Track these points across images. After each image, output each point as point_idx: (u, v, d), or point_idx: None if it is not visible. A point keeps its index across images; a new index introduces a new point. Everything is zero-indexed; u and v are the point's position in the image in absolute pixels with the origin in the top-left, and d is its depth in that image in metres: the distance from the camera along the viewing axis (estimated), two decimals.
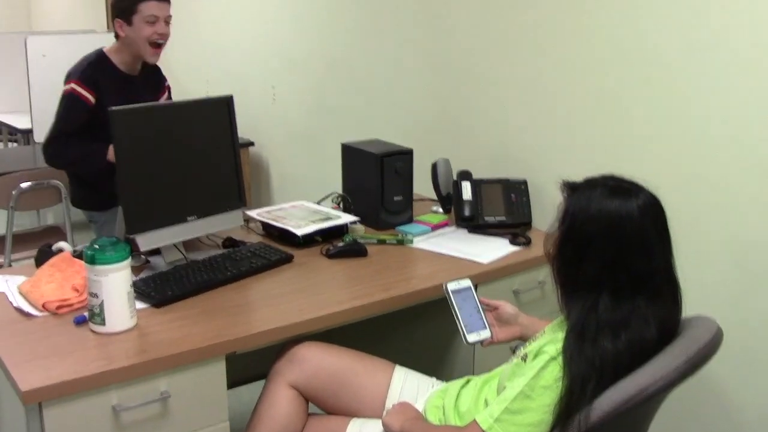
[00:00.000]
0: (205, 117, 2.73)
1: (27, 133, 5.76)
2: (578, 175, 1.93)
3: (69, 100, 3.20)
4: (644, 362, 1.74)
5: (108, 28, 7.30)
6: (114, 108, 2.45)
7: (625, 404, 1.67)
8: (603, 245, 1.79)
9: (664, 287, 1.82)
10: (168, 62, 3.48)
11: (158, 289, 2.35)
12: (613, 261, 1.78)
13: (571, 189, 1.88)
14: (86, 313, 2.14)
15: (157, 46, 3.31)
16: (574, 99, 2.96)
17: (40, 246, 2.62)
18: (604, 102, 2.85)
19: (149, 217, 2.51)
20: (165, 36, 3.31)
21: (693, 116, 2.57)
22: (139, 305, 2.24)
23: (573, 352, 1.75)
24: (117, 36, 3.32)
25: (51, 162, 3.33)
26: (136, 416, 1.96)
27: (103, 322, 2.08)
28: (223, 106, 2.76)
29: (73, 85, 3.19)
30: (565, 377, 1.74)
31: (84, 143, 3.19)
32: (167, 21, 3.30)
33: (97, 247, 2.07)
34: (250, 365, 2.53)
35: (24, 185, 3.96)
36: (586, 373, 1.72)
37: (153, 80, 3.51)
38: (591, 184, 1.87)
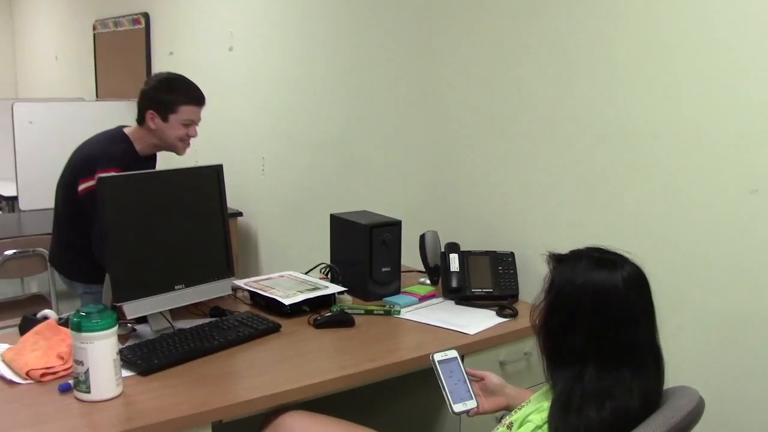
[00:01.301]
0: (194, 185, 2.76)
1: (12, 200, 5.70)
2: (565, 248, 1.94)
3: None
4: (626, 428, 1.74)
5: (97, 96, 7.35)
6: (101, 175, 2.46)
7: None
8: (588, 317, 1.79)
9: (648, 358, 1.82)
10: None
11: (145, 358, 2.34)
12: (599, 333, 1.78)
13: (557, 261, 1.90)
14: (71, 381, 2.12)
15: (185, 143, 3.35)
16: (561, 174, 3.00)
17: (24, 314, 2.61)
18: (590, 177, 2.89)
19: (137, 285, 2.50)
20: (193, 137, 3.36)
21: (674, 191, 2.61)
22: (125, 373, 2.23)
23: (558, 422, 1.75)
24: (142, 121, 3.31)
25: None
26: None
27: (88, 390, 2.07)
28: (213, 175, 2.78)
29: (113, 174, 3.13)
30: None
31: None
32: (198, 122, 3.36)
33: (83, 314, 2.07)
34: None
35: (8, 253, 3.95)
36: None
37: (153, 163, 3.53)
38: (576, 255, 1.88)
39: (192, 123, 3.32)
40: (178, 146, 3.34)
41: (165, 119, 3.26)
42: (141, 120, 3.32)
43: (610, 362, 1.78)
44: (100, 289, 3.34)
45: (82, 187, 3.20)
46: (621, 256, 1.86)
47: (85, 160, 3.24)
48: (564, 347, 1.83)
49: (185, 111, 3.28)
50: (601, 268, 1.81)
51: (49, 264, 3.81)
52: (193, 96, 3.32)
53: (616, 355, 1.78)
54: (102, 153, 3.23)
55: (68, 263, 3.49)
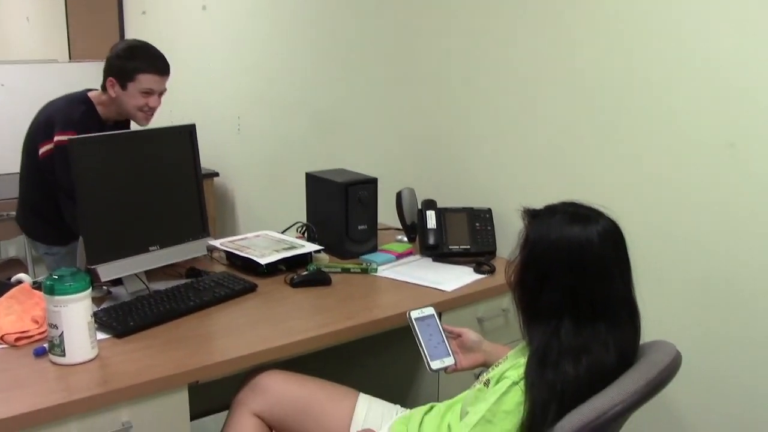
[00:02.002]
0: (167, 145, 2.73)
1: None
2: (542, 204, 1.94)
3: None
4: (605, 387, 1.75)
5: (70, 58, 7.25)
6: (73, 137, 2.43)
7: (585, 428, 1.67)
8: (563, 272, 1.79)
9: (624, 313, 1.83)
10: None
11: (120, 320, 2.32)
12: (574, 287, 1.79)
13: (532, 216, 1.89)
14: (46, 345, 2.11)
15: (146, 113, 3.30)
16: (537, 129, 2.98)
17: None
18: (565, 131, 2.88)
19: (110, 248, 2.49)
20: (155, 109, 3.30)
21: (651, 146, 2.61)
22: (101, 336, 2.22)
23: (534, 378, 1.75)
24: (104, 88, 3.26)
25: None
26: None
27: (63, 354, 2.05)
28: (186, 135, 2.75)
29: (72, 137, 3.11)
30: (526, 402, 1.74)
31: None
32: (161, 93, 3.29)
33: (56, 277, 2.05)
34: (215, 396, 2.50)
35: None
36: (547, 397, 1.72)
37: (125, 128, 3.47)
38: (551, 210, 1.88)
39: (152, 92, 3.24)
40: (138, 116, 3.27)
41: (124, 87, 3.20)
42: (104, 86, 3.27)
43: (585, 317, 1.78)
44: (60, 250, 3.34)
45: (42, 150, 3.17)
46: (596, 211, 1.85)
47: (44, 123, 3.20)
48: (539, 302, 1.83)
49: (144, 80, 3.20)
50: (575, 223, 1.80)
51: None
52: (153, 64, 3.24)
53: (591, 310, 1.78)
54: (61, 116, 3.19)
55: (31, 224, 3.48)
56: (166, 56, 3.27)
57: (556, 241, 1.81)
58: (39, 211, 3.37)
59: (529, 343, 1.85)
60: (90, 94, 3.31)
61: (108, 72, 3.23)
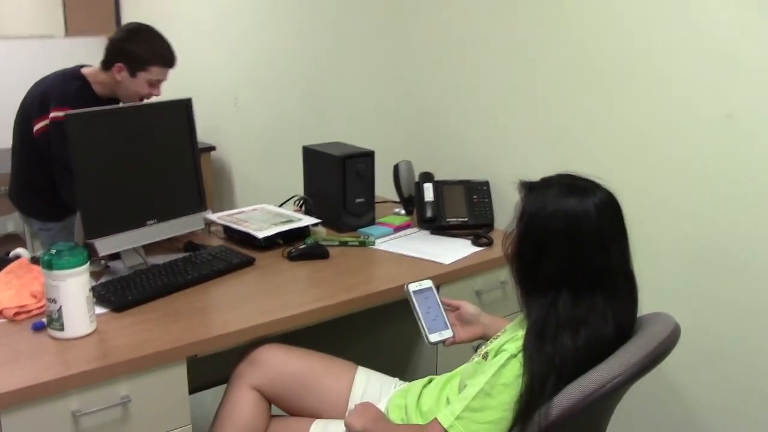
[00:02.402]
0: (164, 120, 2.72)
1: None
2: (540, 176, 1.93)
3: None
4: (603, 359, 1.75)
5: (66, 32, 7.20)
6: (69, 112, 2.42)
7: (584, 400, 1.68)
8: (560, 244, 1.79)
9: (621, 284, 1.82)
10: None
11: (118, 294, 2.32)
12: (571, 259, 1.78)
13: (528, 188, 1.88)
14: (44, 319, 2.11)
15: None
16: (535, 101, 2.98)
17: None
18: (563, 103, 2.87)
19: (108, 222, 2.48)
20: (156, 96, 3.31)
21: (649, 117, 2.60)
22: (99, 310, 2.22)
23: (533, 350, 1.76)
24: (108, 68, 3.25)
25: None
26: (97, 421, 1.94)
27: (61, 328, 2.06)
28: (182, 109, 2.74)
29: (70, 112, 3.10)
30: (525, 374, 1.74)
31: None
32: (164, 81, 3.31)
33: (53, 252, 2.05)
34: (213, 369, 2.51)
35: None
36: (545, 370, 1.72)
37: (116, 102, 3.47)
38: (547, 182, 1.87)
39: (158, 83, 3.28)
40: (135, 101, 3.30)
41: (133, 74, 3.22)
42: (107, 67, 3.26)
43: (583, 288, 1.78)
44: (55, 226, 3.34)
45: (37, 127, 3.17)
46: (592, 182, 1.85)
47: (38, 100, 3.20)
48: (537, 275, 1.83)
49: (155, 71, 3.23)
50: (571, 195, 1.80)
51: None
52: (167, 57, 3.27)
53: (589, 282, 1.78)
54: (56, 92, 3.19)
55: (25, 200, 3.48)
56: (165, 31, 3.26)
57: (552, 213, 1.80)
58: (33, 187, 3.36)
59: (527, 316, 1.85)
60: (84, 70, 3.30)
61: (118, 56, 3.22)
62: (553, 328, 1.76)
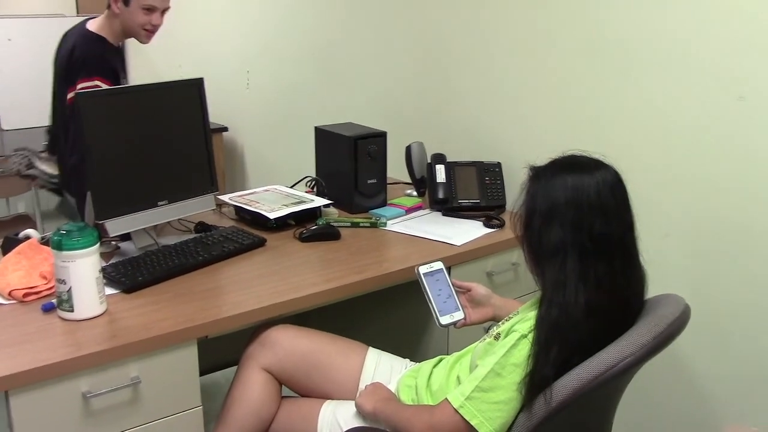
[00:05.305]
0: (175, 100, 2.70)
1: None
2: (552, 156, 1.93)
3: None
4: (607, 333, 1.76)
5: (78, 12, 7.20)
6: (79, 92, 2.41)
7: (592, 382, 1.68)
8: (564, 211, 1.79)
9: (626, 258, 1.83)
10: (139, 45, 3.45)
11: (128, 275, 2.32)
12: (575, 226, 1.78)
13: (535, 172, 1.89)
14: (54, 300, 2.11)
15: (149, 31, 3.31)
16: (548, 81, 2.96)
17: (7, 234, 2.59)
18: (576, 84, 2.85)
19: (119, 202, 2.47)
20: (157, 27, 3.32)
21: (663, 98, 2.58)
22: (109, 291, 2.22)
23: (543, 315, 1.77)
24: (108, 6, 3.28)
25: None
26: (107, 402, 1.94)
27: (71, 309, 2.05)
28: (194, 89, 2.72)
29: (97, 82, 3.10)
30: (533, 346, 1.74)
31: None
32: (164, 12, 3.31)
33: (63, 232, 2.04)
34: (224, 351, 2.51)
35: None
36: (551, 334, 1.74)
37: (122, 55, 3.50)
38: (553, 163, 1.89)
39: (154, 9, 3.28)
40: (141, 33, 3.32)
41: (127, 3, 3.24)
42: (108, 5, 3.29)
43: (589, 257, 1.77)
44: None
45: (70, 95, 3.14)
46: (596, 160, 1.87)
47: (81, 61, 3.19)
48: (545, 245, 1.82)
49: None
50: (575, 171, 1.82)
51: (38, 187, 3.71)
52: None
53: (595, 249, 1.77)
54: (94, 60, 3.19)
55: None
56: (176, 10, 3.25)
57: (558, 185, 1.81)
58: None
59: (541, 286, 1.84)
60: (91, 27, 3.30)
61: None
62: (561, 291, 1.76)
